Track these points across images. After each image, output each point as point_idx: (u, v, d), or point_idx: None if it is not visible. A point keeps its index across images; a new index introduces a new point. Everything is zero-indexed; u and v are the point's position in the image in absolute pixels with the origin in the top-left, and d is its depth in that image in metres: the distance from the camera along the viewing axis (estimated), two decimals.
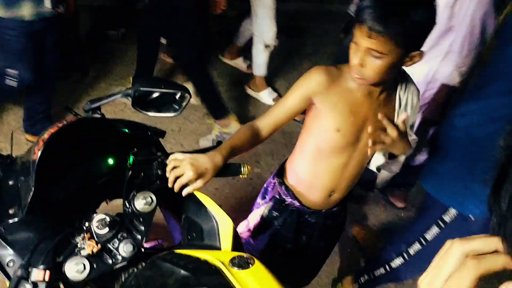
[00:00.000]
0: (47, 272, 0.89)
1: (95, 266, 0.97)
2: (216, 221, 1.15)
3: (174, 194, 1.19)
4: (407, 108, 1.38)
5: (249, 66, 3.55)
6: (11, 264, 1.00)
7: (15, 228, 1.00)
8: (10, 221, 0.92)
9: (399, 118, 1.27)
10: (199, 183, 1.13)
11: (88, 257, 0.97)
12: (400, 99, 1.36)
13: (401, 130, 1.21)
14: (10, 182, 1.00)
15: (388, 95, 1.34)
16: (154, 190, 1.10)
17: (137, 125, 1.16)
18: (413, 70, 1.34)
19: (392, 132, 1.19)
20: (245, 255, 1.00)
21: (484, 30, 1.92)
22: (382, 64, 1.17)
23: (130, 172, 1.09)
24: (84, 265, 0.95)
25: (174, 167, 1.11)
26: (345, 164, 1.40)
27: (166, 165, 1.13)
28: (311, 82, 1.31)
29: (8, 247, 1.01)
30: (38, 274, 0.89)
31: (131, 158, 1.09)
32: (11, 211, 0.93)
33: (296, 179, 1.49)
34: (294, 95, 1.32)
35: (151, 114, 1.13)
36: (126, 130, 1.12)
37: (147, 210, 1.06)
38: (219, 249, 1.10)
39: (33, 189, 0.88)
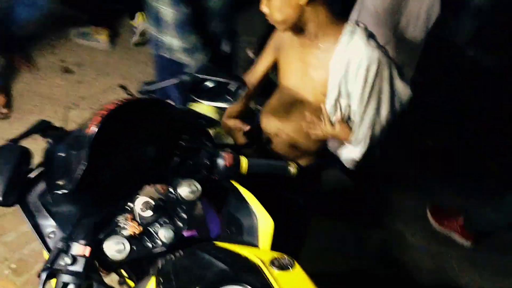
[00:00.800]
0: (88, 248, 0.89)
1: (134, 248, 0.96)
2: (256, 218, 1.13)
3: (217, 186, 1.18)
4: (349, 69, 1.35)
5: None
6: (52, 235, 1.01)
7: (60, 200, 1.00)
8: (59, 192, 0.92)
9: (335, 118, 1.47)
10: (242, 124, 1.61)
11: (129, 238, 0.96)
12: (337, 54, 1.36)
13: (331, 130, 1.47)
14: (61, 154, 1.00)
15: (328, 44, 1.38)
16: (199, 179, 1.08)
17: (191, 113, 1.15)
18: None
19: (324, 128, 1.47)
20: (286, 256, 0.98)
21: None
22: (274, 2, 1.29)
23: (178, 159, 1.08)
24: (124, 245, 0.94)
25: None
26: (287, 108, 1.57)
27: (214, 155, 1.11)
28: (274, 39, 1.60)
29: (51, 218, 1.01)
30: (79, 248, 0.89)
31: (181, 145, 1.09)
32: (60, 182, 0.93)
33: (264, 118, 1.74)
34: (266, 53, 1.65)
35: (205, 103, 1.12)
36: (181, 116, 1.11)
37: (191, 198, 1.05)
38: (257, 246, 1.08)
39: (86, 163, 0.88)
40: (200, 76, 1.09)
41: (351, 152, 1.54)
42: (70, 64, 3.07)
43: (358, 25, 1.38)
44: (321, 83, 1.42)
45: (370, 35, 1.37)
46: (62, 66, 3.04)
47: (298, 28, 1.36)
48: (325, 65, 1.39)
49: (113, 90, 2.85)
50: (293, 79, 1.52)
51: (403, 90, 1.45)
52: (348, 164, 1.60)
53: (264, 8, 1.33)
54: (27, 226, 1.00)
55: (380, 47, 1.36)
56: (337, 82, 1.38)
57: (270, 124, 1.65)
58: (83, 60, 3.15)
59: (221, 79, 1.10)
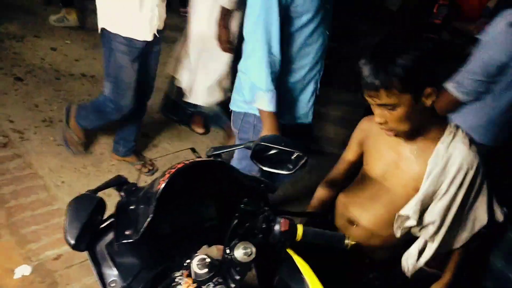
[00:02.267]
0: None
1: None
2: None
3: (271, 253, 1.19)
4: (447, 168, 1.33)
5: None
6: (112, 284, 1.07)
7: (124, 251, 1.07)
8: (125, 241, 0.99)
9: None
10: None
11: None
12: (438, 152, 1.34)
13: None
14: (131, 207, 1.08)
15: (426, 144, 1.36)
16: (255, 243, 1.11)
17: (252, 177, 1.21)
18: None
19: None
20: None
21: None
22: (399, 113, 1.25)
23: (236, 221, 1.13)
24: None
25: None
26: (371, 198, 1.51)
27: (270, 219, 1.14)
28: (358, 132, 1.59)
29: (114, 268, 1.08)
30: None
31: (240, 208, 1.13)
32: (127, 232, 1.00)
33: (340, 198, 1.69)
34: (350, 147, 1.63)
35: (265, 168, 1.17)
36: (242, 179, 1.17)
37: (246, 260, 1.07)
38: None
39: (152, 215, 0.95)
40: (265, 143, 1.15)
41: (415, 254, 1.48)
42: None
43: (458, 127, 1.38)
44: (414, 178, 1.39)
45: (471, 140, 1.37)
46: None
47: None
48: (422, 161, 1.37)
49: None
50: (381, 168, 1.48)
51: (481, 213, 1.41)
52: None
53: (379, 120, 1.29)
54: (93, 277, 1.07)
55: (479, 154, 1.35)
56: (434, 179, 1.35)
57: (348, 210, 1.58)
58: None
59: (283, 148, 1.15)
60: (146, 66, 2.57)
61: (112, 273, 1.08)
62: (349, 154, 1.64)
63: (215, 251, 1.13)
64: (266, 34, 1.67)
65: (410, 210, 1.38)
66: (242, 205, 1.13)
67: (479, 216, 1.41)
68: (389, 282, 1.64)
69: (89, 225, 1.00)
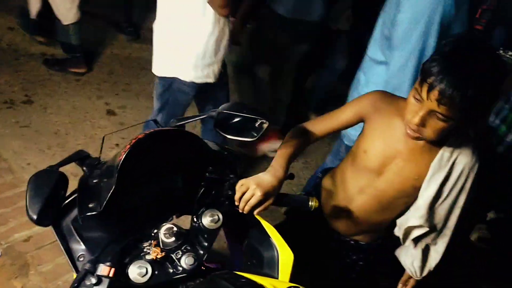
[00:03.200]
0: (112, 269, 0.93)
1: (156, 272, 1.00)
2: (277, 252, 1.15)
3: (239, 219, 1.21)
4: (451, 172, 1.30)
5: None
6: (81, 258, 1.07)
7: (90, 224, 1.07)
8: (89, 213, 0.98)
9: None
10: (268, 201, 1.16)
11: (151, 262, 1.00)
12: (442, 156, 1.29)
13: None
14: (94, 181, 1.07)
15: (432, 144, 1.29)
16: (222, 211, 1.12)
17: (217, 145, 1.21)
18: None
19: None
20: None
21: None
22: (445, 126, 1.14)
23: (202, 190, 1.13)
24: (146, 269, 0.99)
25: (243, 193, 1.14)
26: (362, 189, 1.43)
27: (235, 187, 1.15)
28: (366, 102, 1.40)
29: (82, 243, 1.08)
30: (104, 269, 0.93)
31: (206, 176, 1.14)
32: (90, 205, 1.00)
33: (326, 182, 1.61)
34: (349, 110, 1.42)
35: (229, 136, 1.17)
36: (206, 148, 1.17)
37: (213, 227, 1.08)
38: (277, 279, 1.09)
39: (114, 186, 0.94)
40: (227, 111, 1.15)
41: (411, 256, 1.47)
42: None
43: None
44: (414, 178, 1.34)
45: (475, 143, 1.32)
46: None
47: None
48: (425, 162, 1.31)
49: None
50: (379, 161, 1.37)
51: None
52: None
53: (418, 121, 1.15)
54: (63, 257, 1.06)
55: (480, 157, 1.32)
56: (437, 184, 1.30)
57: (334, 199, 1.53)
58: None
59: (246, 115, 1.15)
60: None
61: (79, 248, 1.08)
62: (342, 118, 1.43)
63: (187, 223, 1.13)
64: (420, 51, 1.60)
65: (421, 219, 1.34)
66: (207, 174, 1.14)
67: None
68: (372, 264, 1.66)
69: (51, 200, 0.99)
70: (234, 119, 1.17)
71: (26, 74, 3.42)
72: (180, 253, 1.04)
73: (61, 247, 1.07)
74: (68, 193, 1.10)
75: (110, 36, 4.19)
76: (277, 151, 1.30)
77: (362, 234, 1.56)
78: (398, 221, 1.42)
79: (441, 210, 1.36)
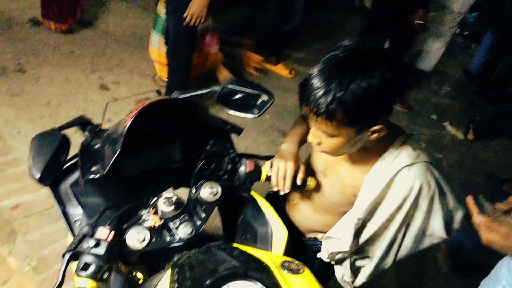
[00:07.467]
0: (112, 232, 0.94)
1: (154, 239, 1.01)
2: (271, 228, 1.17)
3: (236, 194, 1.23)
4: (386, 188, 1.13)
5: None
6: (77, 223, 1.08)
7: (90, 188, 1.08)
8: (92, 176, 0.99)
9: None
10: (302, 167, 1.21)
11: (150, 229, 1.02)
12: (377, 170, 1.14)
13: None
14: (96, 146, 1.08)
15: (370, 152, 1.16)
16: (220, 184, 1.14)
17: (218, 119, 1.22)
18: None
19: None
20: (296, 261, 1.01)
21: None
22: (337, 143, 1.06)
23: (202, 162, 1.15)
24: (144, 235, 1.00)
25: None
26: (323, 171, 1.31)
27: (236, 161, 1.17)
28: None
29: (79, 207, 1.08)
30: (103, 232, 0.94)
31: (206, 150, 1.15)
32: (93, 169, 1.00)
33: None
34: None
35: (231, 112, 1.19)
36: (208, 121, 1.18)
37: (211, 199, 1.10)
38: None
39: (119, 150, 0.95)
40: (230, 87, 1.16)
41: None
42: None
43: (406, 141, 1.16)
44: (351, 185, 1.21)
45: (420, 156, 1.14)
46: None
47: None
48: (360, 173, 1.18)
49: None
50: (322, 163, 1.30)
51: (437, 230, 1.18)
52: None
53: (312, 140, 1.10)
54: (53, 225, 1.06)
55: (429, 170, 1.13)
56: (369, 200, 1.14)
57: (292, 193, 1.42)
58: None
59: (250, 91, 1.16)
60: None
61: (76, 213, 1.09)
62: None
63: (184, 196, 1.14)
64: None
65: (341, 231, 1.21)
66: (208, 147, 1.15)
67: (436, 232, 1.19)
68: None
69: (54, 161, 0.99)
70: (237, 95, 1.19)
71: (19, 42, 3.37)
72: (178, 222, 1.06)
73: (58, 210, 1.07)
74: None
75: (107, 11, 4.13)
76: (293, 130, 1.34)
77: (314, 233, 1.46)
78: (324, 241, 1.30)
79: (371, 229, 1.20)
